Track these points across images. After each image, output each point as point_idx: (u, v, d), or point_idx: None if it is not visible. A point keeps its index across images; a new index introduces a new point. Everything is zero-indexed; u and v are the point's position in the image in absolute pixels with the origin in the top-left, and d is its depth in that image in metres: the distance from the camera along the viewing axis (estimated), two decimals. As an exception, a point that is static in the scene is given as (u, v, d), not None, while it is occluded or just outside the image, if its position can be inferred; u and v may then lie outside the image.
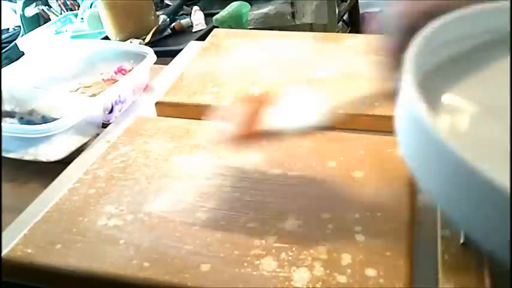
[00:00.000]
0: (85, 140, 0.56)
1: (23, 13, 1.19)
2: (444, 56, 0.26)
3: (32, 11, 1.24)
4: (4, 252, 0.38)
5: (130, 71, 0.67)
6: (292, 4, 1.33)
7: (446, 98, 0.24)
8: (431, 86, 0.25)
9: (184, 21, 1.09)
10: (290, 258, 0.36)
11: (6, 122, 0.60)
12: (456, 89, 0.25)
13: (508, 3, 0.25)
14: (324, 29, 1.40)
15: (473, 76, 0.25)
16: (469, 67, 0.26)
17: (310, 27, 1.37)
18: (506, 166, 0.20)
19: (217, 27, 1.04)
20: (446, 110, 0.23)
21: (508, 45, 0.26)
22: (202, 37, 0.95)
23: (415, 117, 0.20)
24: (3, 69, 0.64)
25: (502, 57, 0.26)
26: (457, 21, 0.25)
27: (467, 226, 0.20)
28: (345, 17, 1.86)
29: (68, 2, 1.21)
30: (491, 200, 0.18)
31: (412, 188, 0.41)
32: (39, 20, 1.24)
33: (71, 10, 1.20)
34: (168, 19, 1.07)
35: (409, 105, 0.21)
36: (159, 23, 1.02)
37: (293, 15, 1.34)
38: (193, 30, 1.09)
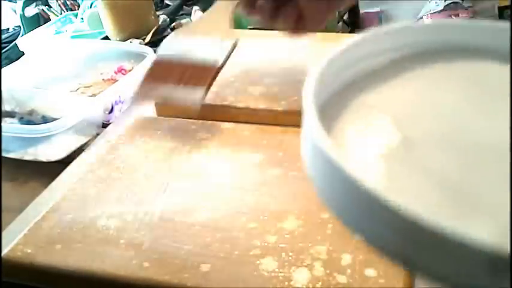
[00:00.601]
0: (85, 140, 0.56)
1: (23, 13, 1.19)
2: (356, 72, 0.27)
3: (32, 11, 1.23)
4: (4, 252, 0.38)
5: (130, 71, 0.67)
6: (292, 4, 1.32)
7: (357, 115, 0.25)
8: (340, 104, 0.25)
9: (184, 21, 1.09)
10: (290, 258, 0.36)
11: (6, 122, 0.60)
12: (368, 103, 0.25)
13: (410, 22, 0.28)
14: (324, 29, 1.40)
15: (386, 88, 0.26)
16: (382, 79, 0.27)
17: (310, 27, 1.37)
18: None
19: (217, 27, 1.04)
20: (356, 129, 0.24)
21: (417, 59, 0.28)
22: (202, 37, 0.95)
23: (316, 145, 0.20)
24: (3, 69, 0.65)
25: (414, 69, 0.27)
26: (372, 38, 0.27)
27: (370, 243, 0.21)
28: (345, 17, 1.86)
29: (68, 2, 1.21)
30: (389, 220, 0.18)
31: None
32: (39, 20, 1.23)
33: (71, 10, 1.20)
34: (168, 19, 1.07)
35: (310, 134, 0.21)
36: (159, 23, 1.02)
37: (293, 15, 1.33)
38: (193, 30, 1.09)
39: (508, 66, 0.26)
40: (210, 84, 0.50)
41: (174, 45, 0.53)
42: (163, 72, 0.51)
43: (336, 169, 0.19)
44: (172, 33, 0.54)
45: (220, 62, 0.52)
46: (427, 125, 0.23)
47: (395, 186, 0.20)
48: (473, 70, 0.26)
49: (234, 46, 0.53)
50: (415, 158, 0.21)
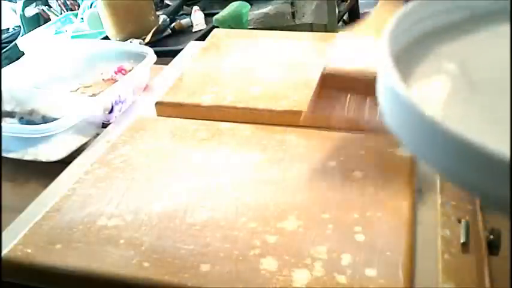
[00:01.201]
0: (85, 140, 0.56)
1: (23, 13, 1.19)
2: (426, 28, 0.30)
3: (32, 11, 1.24)
4: (4, 252, 0.38)
5: (130, 71, 0.67)
6: (292, 4, 1.33)
7: (427, 66, 0.28)
8: (412, 55, 0.28)
9: (184, 21, 1.09)
10: (290, 258, 0.36)
11: (6, 122, 0.60)
12: (438, 56, 0.29)
13: None
14: (324, 29, 1.40)
15: (456, 45, 0.30)
16: (453, 37, 0.30)
17: (310, 27, 1.37)
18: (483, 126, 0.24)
19: (217, 27, 1.04)
20: (427, 76, 0.27)
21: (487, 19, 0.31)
22: (202, 37, 0.95)
23: (390, 87, 0.23)
24: (3, 69, 0.64)
25: (485, 26, 0.31)
26: None
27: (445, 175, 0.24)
28: (345, 17, 1.86)
29: (68, 2, 1.21)
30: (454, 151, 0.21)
31: (412, 188, 0.41)
32: (39, 20, 1.24)
33: (71, 10, 1.20)
34: (168, 19, 1.07)
35: (385, 76, 0.24)
36: (159, 23, 1.02)
37: (293, 15, 1.34)
38: (193, 30, 1.09)
39: None
40: None
41: (343, 52, 0.42)
42: (342, 88, 0.41)
43: (407, 107, 0.22)
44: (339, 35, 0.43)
45: None
46: (490, 73, 0.27)
47: (455, 120, 0.23)
48: None
49: None
50: (475, 99, 0.25)
